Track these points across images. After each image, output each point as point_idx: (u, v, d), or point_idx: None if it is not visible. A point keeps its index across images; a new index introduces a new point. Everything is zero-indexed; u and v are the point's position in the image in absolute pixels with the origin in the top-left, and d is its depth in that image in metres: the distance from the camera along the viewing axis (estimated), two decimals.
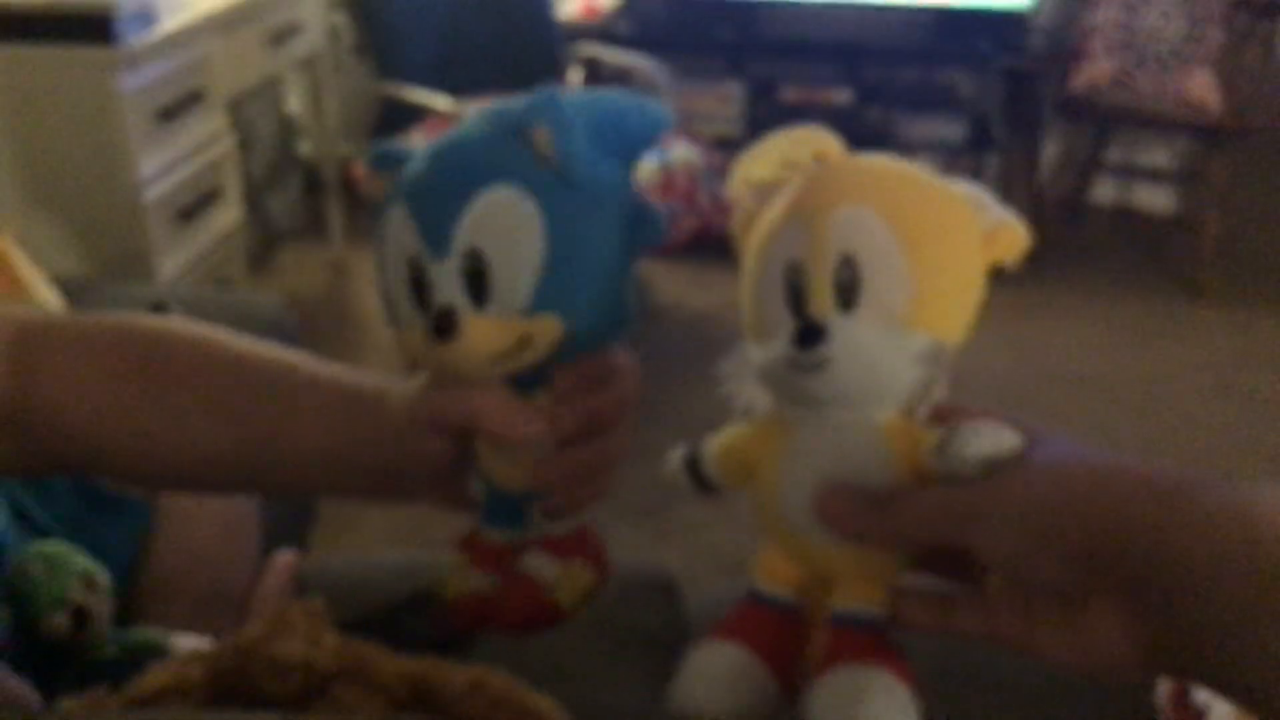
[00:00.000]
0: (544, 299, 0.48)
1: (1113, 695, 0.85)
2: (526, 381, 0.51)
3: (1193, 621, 0.37)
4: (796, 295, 0.46)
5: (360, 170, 2.71)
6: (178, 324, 0.59)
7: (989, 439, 0.43)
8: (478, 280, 0.47)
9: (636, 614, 0.95)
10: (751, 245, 0.49)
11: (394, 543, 1.99)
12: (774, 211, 0.48)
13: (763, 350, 0.47)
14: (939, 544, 0.44)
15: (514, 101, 0.50)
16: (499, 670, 0.72)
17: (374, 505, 2.06)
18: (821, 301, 0.45)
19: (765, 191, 0.49)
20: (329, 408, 0.56)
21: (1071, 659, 0.41)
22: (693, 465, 0.52)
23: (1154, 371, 2.64)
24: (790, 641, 0.49)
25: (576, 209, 0.48)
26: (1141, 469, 0.40)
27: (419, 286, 0.49)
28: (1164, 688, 0.80)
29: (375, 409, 0.55)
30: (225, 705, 0.68)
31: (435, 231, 0.48)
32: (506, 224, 0.47)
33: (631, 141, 0.50)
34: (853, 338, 0.44)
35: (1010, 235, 0.47)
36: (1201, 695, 0.76)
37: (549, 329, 0.49)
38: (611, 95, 0.51)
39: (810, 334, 0.44)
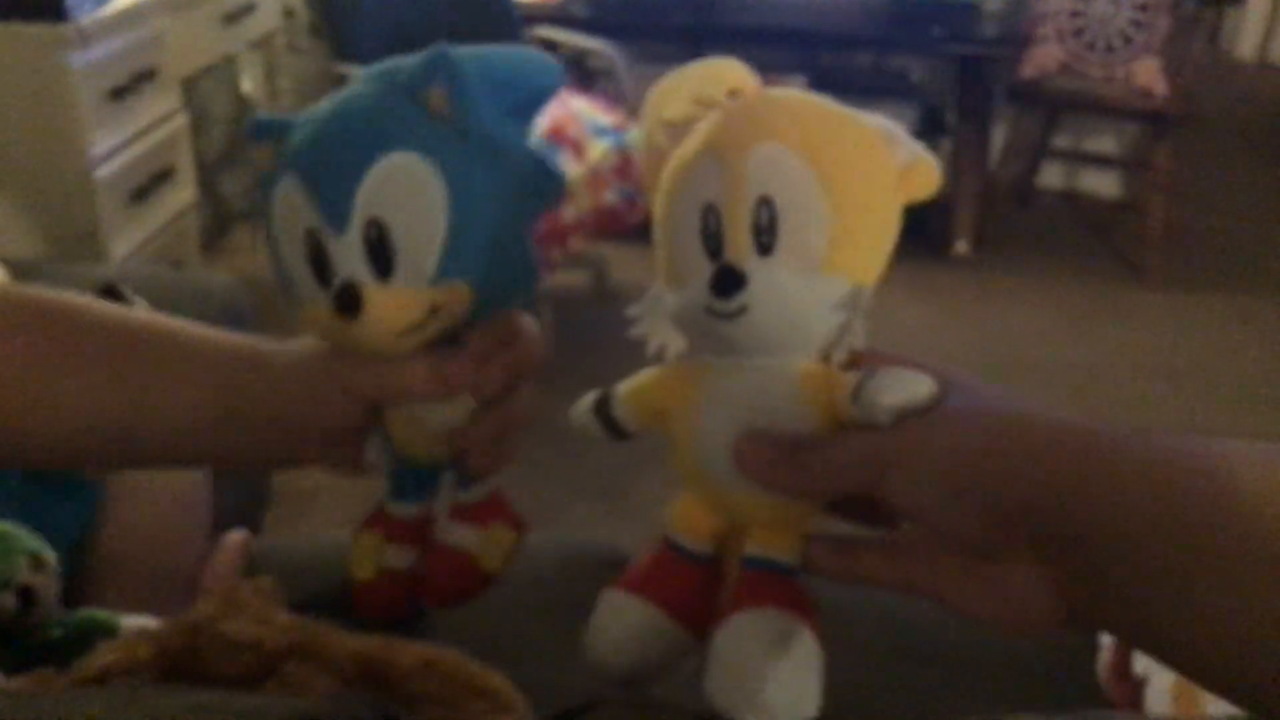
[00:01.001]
0: (451, 265, 0.46)
1: (1055, 665, 0.86)
2: (438, 347, 0.50)
3: (1109, 573, 0.36)
4: (713, 239, 0.44)
5: None
6: (49, 291, 0.57)
7: (903, 386, 0.41)
8: (381, 251, 0.45)
9: (589, 592, 0.95)
10: (664, 186, 0.46)
11: (346, 525, 1.98)
12: (687, 151, 0.45)
13: (678, 295, 0.45)
14: (854, 492, 0.43)
15: (404, 61, 0.47)
16: (450, 648, 0.72)
17: (324, 488, 2.04)
18: (739, 246, 0.43)
19: (679, 131, 0.46)
20: (207, 371, 0.53)
21: (986, 611, 0.41)
22: (604, 410, 0.50)
23: (1099, 352, 2.67)
24: (704, 592, 0.48)
25: (477, 169, 0.46)
26: (1056, 420, 0.39)
27: (318, 261, 0.46)
28: (1105, 658, 0.81)
29: (260, 372, 0.53)
30: (174, 684, 0.67)
31: (332, 203, 0.45)
32: (407, 191, 0.45)
33: (527, 97, 0.48)
34: (771, 284, 0.42)
35: (924, 172, 0.45)
36: (1141, 665, 0.77)
37: (458, 295, 0.47)
38: (503, 51, 0.48)
39: (728, 281, 0.42)
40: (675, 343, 0.47)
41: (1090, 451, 0.38)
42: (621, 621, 0.47)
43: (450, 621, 0.89)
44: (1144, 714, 0.75)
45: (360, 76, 0.49)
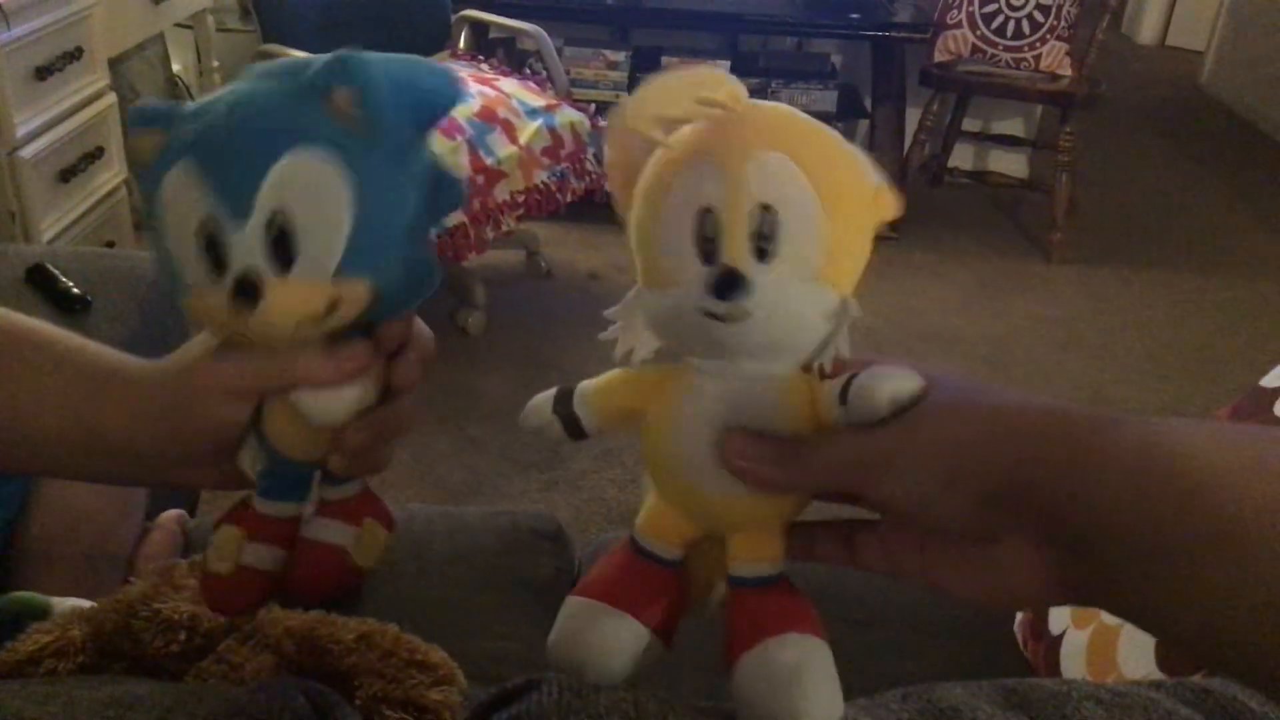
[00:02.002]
0: (353, 262, 0.45)
1: (974, 624, 0.87)
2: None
3: (1104, 555, 0.37)
4: (708, 242, 0.42)
5: None
6: None
7: (894, 381, 0.41)
8: (283, 243, 0.44)
9: (526, 562, 0.94)
10: (648, 187, 0.45)
11: None
12: (678, 152, 0.44)
13: (663, 297, 0.43)
14: (845, 491, 0.42)
15: (306, 60, 0.46)
16: (388, 622, 0.70)
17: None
18: (737, 250, 0.41)
19: (671, 128, 0.45)
20: (73, 387, 0.50)
21: (975, 593, 0.41)
22: (564, 408, 0.48)
23: (1008, 324, 2.72)
24: (673, 594, 0.47)
25: (383, 171, 0.45)
26: (1044, 406, 0.39)
27: (213, 249, 0.45)
28: (1021, 617, 0.82)
29: (131, 389, 0.50)
30: (108, 666, 0.65)
31: (235, 193, 0.44)
32: (313, 186, 0.44)
33: (429, 106, 0.47)
34: (772, 291, 0.41)
35: (888, 198, 0.45)
36: (1056, 624, 0.78)
37: (358, 291, 0.46)
38: (407, 60, 0.47)
39: (732, 284, 0.41)
40: (646, 345, 0.46)
41: (1079, 434, 0.38)
42: (589, 629, 0.45)
43: (388, 595, 0.87)
44: (1060, 674, 0.75)
45: (255, 72, 0.48)
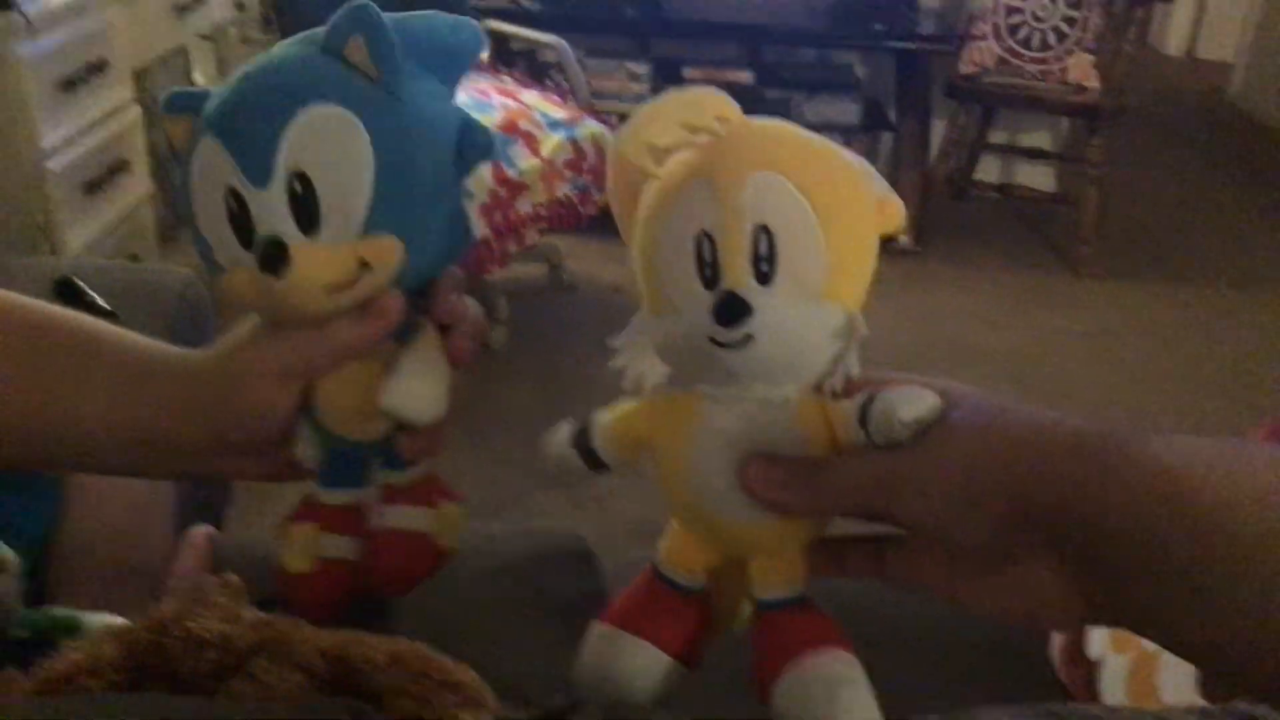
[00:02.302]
0: (378, 218, 0.44)
1: (1008, 647, 0.86)
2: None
3: (1119, 575, 0.37)
4: (709, 267, 0.42)
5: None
6: None
7: (914, 402, 0.41)
8: (305, 205, 0.43)
9: (555, 582, 0.94)
10: (648, 213, 0.45)
11: None
12: (675, 177, 0.44)
13: (667, 324, 0.44)
14: (866, 512, 0.42)
15: (320, 28, 0.46)
16: (418, 641, 0.70)
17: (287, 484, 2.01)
18: (737, 274, 0.41)
19: (662, 156, 0.44)
20: (120, 378, 0.50)
21: (998, 612, 0.41)
22: (582, 442, 0.48)
23: (1035, 340, 2.71)
24: (697, 624, 0.47)
25: (402, 122, 0.44)
26: (1061, 424, 0.39)
27: (239, 220, 0.44)
28: (1058, 641, 0.81)
29: (176, 380, 0.50)
30: (140, 684, 0.65)
31: (253, 158, 0.43)
32: (331, 142, 0.43)
33: (448, 55, 0.47)
34: (776, 312, 0.41)
35: (894, 208, 0.45)
36: (1095, 648, 0.78)
37: (387, 250, 0.45)
38: (425, 14, 0.46)
39: (733, 309, 0.41)
40: (655, 373, 0.46)
41: (1101, 452, 0.38)
42: (614, 657, 0.46)
43: (418, 614, 0.87)
44: (1099, 699, 0.75)
45: (281, 43, 0.47)
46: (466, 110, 0.48)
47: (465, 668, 0.70)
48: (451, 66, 0.47)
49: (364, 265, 0.45)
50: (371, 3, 0.44)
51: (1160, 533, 0.36)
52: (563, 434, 0.48)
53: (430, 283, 0.48)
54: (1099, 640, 0.77)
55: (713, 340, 0.42)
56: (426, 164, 0.45)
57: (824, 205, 0.42)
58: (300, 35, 0.47)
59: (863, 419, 0.42)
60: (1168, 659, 0.71)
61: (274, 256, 0.43)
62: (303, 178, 0.43)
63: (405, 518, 0.51)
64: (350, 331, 0.46)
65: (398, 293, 0.47)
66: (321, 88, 0.43)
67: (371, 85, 0.44)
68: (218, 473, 0.53)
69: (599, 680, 0.46)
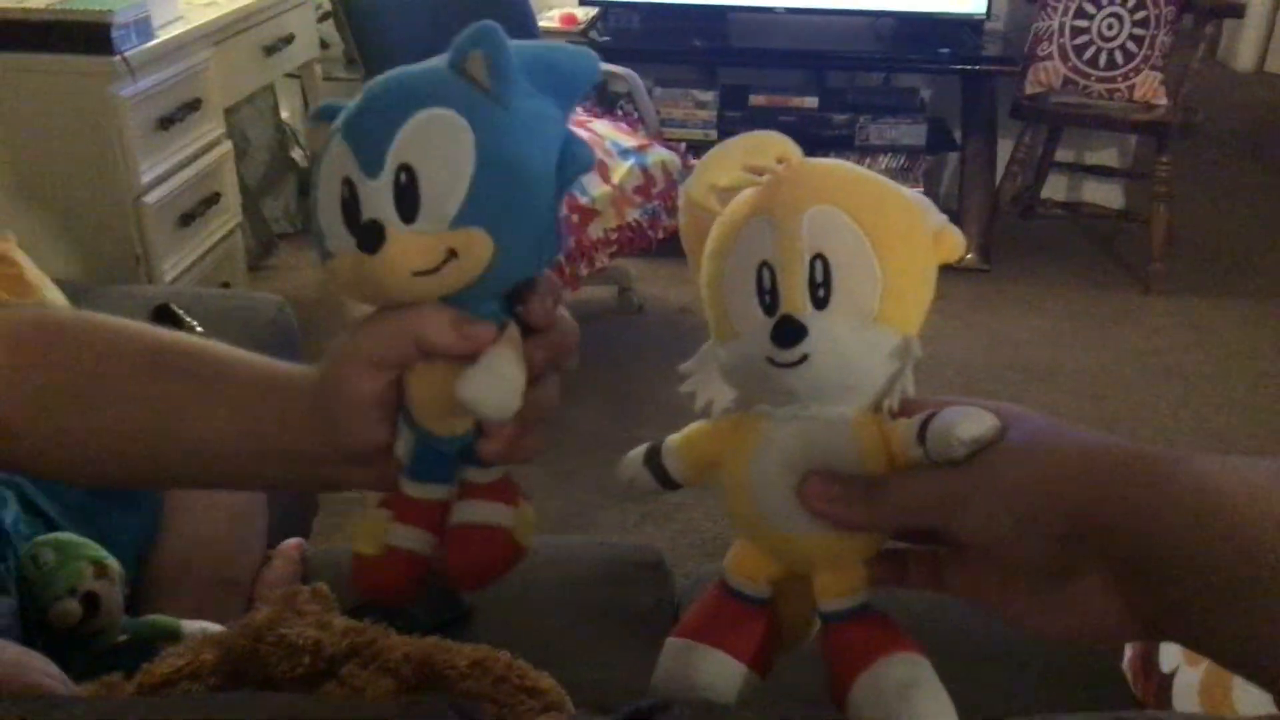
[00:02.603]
0: (471, 213, 0.46)
1: (1081, 661, 0.85)
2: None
3: (1179, 592, 0.37)
4: (769, 294, 0.45)
5: None
6: (89, 314, 0.57)
7: (972, 422, 0.42)
8: (407, 195, 0.46)
9: (629, 593, 0.95)
10: (713, 247, 0.47)
11: None
12: (738, 213, 0.47)
13: (731, 349, 0.46)
14: (924, 528, 0.43)
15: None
16: (500, 649, 0.72)
17: (368, 496, 2.04)
18: (795, 299, 0.44)
19: (727, 196, 0.48)
20: (240, 393, 0.52)
21: (1054, 628, 0.41)
22: (654, 461, 0.50)
23: (1105, 359, 2.65)
24: (765, 633, 0.48)
25: (507, 128, 0.47)
26: (1115, 446, 0.40)
27: (350, 207, 0.47)
28: (1130, 653, 0.80)
29: (292, 393, 0.52)
30: (237, 687, 0.67)
31: (369, 152, 0.46)
32: (438, 140, 0.46)
33: (564, 80, 0.49)
34: (829, 334, 0.43)
35: (952, 238, 0.47)
36: (1167, 662, 0.76)
37: (475, 243, 0.46)
38: (548, 44, 0.50)
39: (789, 331, 0.43)
40: (723, 397, 0.48)
41: (1154, 473, 0.38)
42: (689, 667, 0.47)
43: (498, 623, 0.89)
44: (1172, 710, 0.74)
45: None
46: (572, 132, 0.50)
47: (545, 675, 0.71)
48: (566, 90, 0.50)
49: (452, 254, 0.47)
50: (498, 26, 0.47)
51: (1211, 551, 0.36)
52: (637, 454, 0.51)
53: (526, 286, 0.50)
54: (1172, 653, 0.75)
55: (771, 361, 0.44)
56: (525, 170, 0.47)
57: (877, 234, 0.44)
58: (431, 59, 0.50)
59: (921, 437, 0.43)
60: None
61: (372, 235, 0.46)
62: (408, 170, 0.46)
63: (484, 512, 0.52)
64: (438, 332, 0.48)
65: (492, 325, 0.49)
66: (439, 94, 0.46)
67: (484, 95, 0.47)
68: (331, 482, 0.55)
69: (678, 684, 0.47)
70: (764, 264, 0.45)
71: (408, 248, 0.46)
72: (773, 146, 0.47)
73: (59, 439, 0.54)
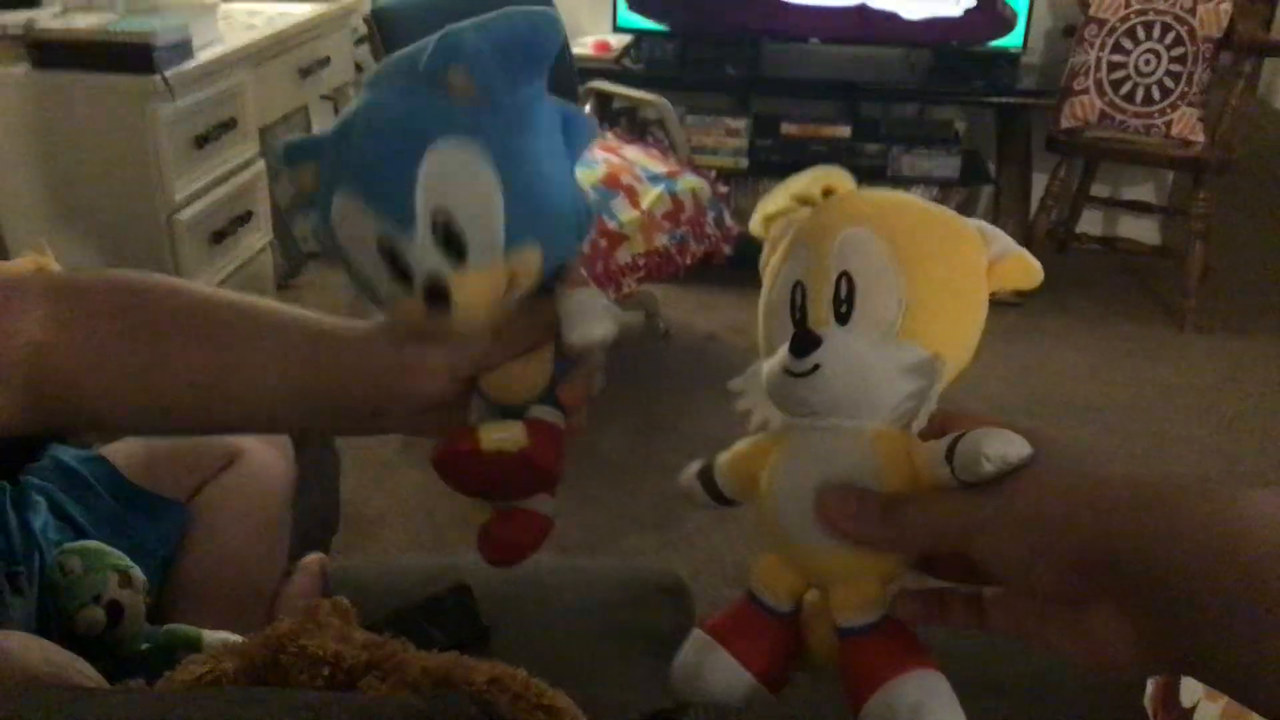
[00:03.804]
0: (517, 233, 0.47)
1: (1104, 694, 0.85)
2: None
3: (1191, 625, 0.37)
4: (799, 311, 0.47)
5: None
6: (143, 273, 0.59)
7: (1003, 442, 0.42)
8: (452, 240, 0.46)
9: (648, 615, 0.95)
10: (767, 273, 0.50)
11: (410, 549, 1.99)
12: (785, 239, 0.49)
13: (767, 364, 0.47)
14: (941, 550, 0.44)
15: (409, 53, 0.48)
16: (518, 667, 0.72)
17: (389, 512, 2.06)
18: (819, 315, 0.45)
19: (778, 224, 0.50)
20: (293, 345, 0.55)
21: (1080, 656, 0.41)
22: (707, 478, 0.52)
23: (1140, 395, 2.64)
24: (782, 646, 0.49)
25: (512, 134, 0.47)
26: (1134, 478, 0.40)
27: (395, 263, 0.47)
28: (1152, 688, 0.80)
29: (343, 351, 0.55)
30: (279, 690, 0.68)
31: (395, 208, 0.46)
32: (460, 176, 0.46)
33: (534, 52, 0.48)
34: (844, 346, 0.44)
35: (1018, 265, 0.48)
36: (1188, 696, 0.76)
37: (530, 258, 0.48)
38: (499, 15, 0.48)
39: (804, 342, 0.44)
40: (776, 415, 0.50)
41: (1170, 506, 0.39)
42: (703, 664, 0.49)
43: (517, 641, 0.89)
44: None
45: (376, 79, 0.50)
46: (563, 102, 0.50)
47: (561, 694, 0.71)
48: (539, 61, 0.49)
49: (513, 278, 0.49)
50: (460, 32, 0.47)
51: (1222, 584, 0.36)
52: (693, 467, 0.53)
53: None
54: (1192, 688, 0.75)
55: (788, 372, 0.45)
56: (543, 168, 0.48)
57: (906, 253, 0.45)
58: (394, 67, 0.49)
59: (949, 456, 0.43)
60: None
61: (436, 294, 0.47)
62: (443, 214, 0.46)
63: (531, 499, 0.56)
64: (511, 345, 0.52)
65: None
66: (436, 126, 0.46)
67: (478, 109, 0.46)
68: (380, 430, 0.58)
69: (690, 679, 0.49)
70: (798, 284, 0.47)
71: (475, 293, 0.48)
72: (826, 179, 0.49)
73: (119, 390, 0.57)
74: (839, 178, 0.49)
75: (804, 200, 0.49)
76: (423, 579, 0.98)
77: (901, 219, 0.46)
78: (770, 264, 0.50)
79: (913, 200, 0.48)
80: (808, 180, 0.50)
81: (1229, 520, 0.37)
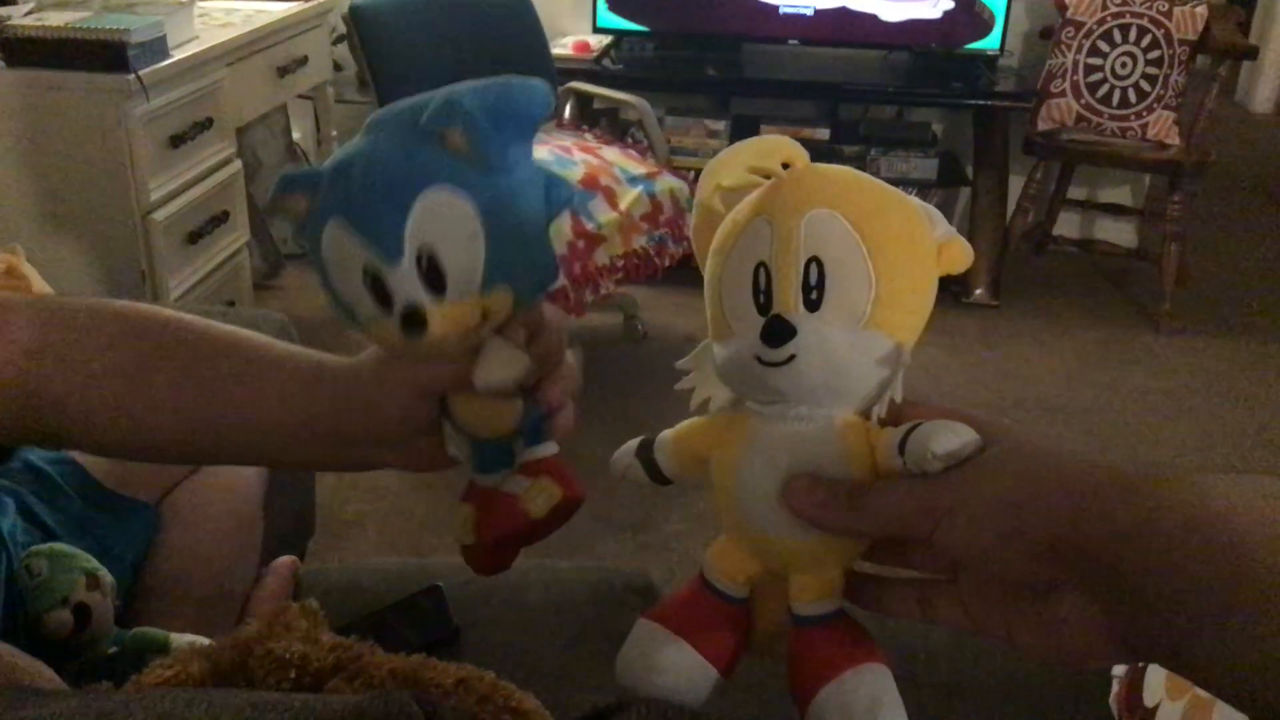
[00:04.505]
0: (493, 275, 0.51)
1: (1068, 697, 0.86)
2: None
3: (1160, 611, 0.37)
4: (763, 294, 0.45)
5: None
6: (141, 305, 0.61)
7: (951, 436, 0.42)
8: (434, 275, 0.50)
9: (618, 617, 0.95)
10: (716, 247, 0.48)
11: (386, 552, 1.99)
12: (741, 214, 0.47)
13: (726, 347, 0.47)
14: (904, 537, 0.44)
15: (411, 106, 0.53)
16: (485, 669, 0.73)
17: (365, 516, 2.06)
18: (788, 300, 0.44)
19: (732, 197, 0.49)
20: (290, 383, 0.57)
21: (1044, 649, 0.41)
22: (647, 456, 0.52)
23: (1113, 397, 2.66)
24: (735, 632, 0.49)
25: (501, 191, 0.51)
26: (1100, 464, 0.40)
27: (378, 289, 0.51)
28: (1117, 686, 0.80)
29: (338, 383, 0.57)
30: (232, 688, 0.68)
31: (385, 240, 0.50)
32: (447, 220, 0.50)
33: (525, 120, 0.53)
34: (818, 335, 0.44)
35: (958, 249, 0.47)
36: (1150, 696, 0.77)
37: (502, 298, 0.52)
38: (497, 83, 0.53)
39: (778, 330, 0.44)
40: (720, 395, 0.49)
41: (1135, 491, 0.39)
42: (654, 653, 0.48)
43: (486, 643, 0.90)
44: None
45: (377, 124, 0.54)
46: (547, 166, 0.55)
47: (529, 696, 0.72)
48: (529, 128, 0.54)
49: (485, 314, 0.52)
50: (462, 97, 0.51)
51: (1191, 570, 0.36)
52: (630, 446, 0.53)
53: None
54: (1155, 689, 0.76)
55: (760, 360, 0.45)
56: (524, 222, 0.52)
57: (875, 240, 0.44)
58: (402, 115, 0.54)
59: (902, 448, 0.43)
60: (1223, 705, 0.70)
61: (414, 321, 0.51)
62: (429, 252, 0.50)
63: (508, 483, 0.58)
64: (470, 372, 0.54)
65: (517, 349, 0.54)
66: (433, 173, 0.51)
67: (471, 165, 0.51)
68: (376, 462, 0.59)
69: (641, 672, 0.48)
70: (761, 265, 0.45)
71: (449, 322, 0.51)
72: (781, 151, 0.48)
73: (104, 422, 0.58)
74: (793, 149, 0.48)
75: (762, 174, 0.48)
76: (395, 581, 0.98)
77: (866, 201, 0.45)
78: (721, 239, 0.48)
79: (871, 180, 0.47)
80: (761, 151, 0.48)
81: (1202, 506, 0.37)
